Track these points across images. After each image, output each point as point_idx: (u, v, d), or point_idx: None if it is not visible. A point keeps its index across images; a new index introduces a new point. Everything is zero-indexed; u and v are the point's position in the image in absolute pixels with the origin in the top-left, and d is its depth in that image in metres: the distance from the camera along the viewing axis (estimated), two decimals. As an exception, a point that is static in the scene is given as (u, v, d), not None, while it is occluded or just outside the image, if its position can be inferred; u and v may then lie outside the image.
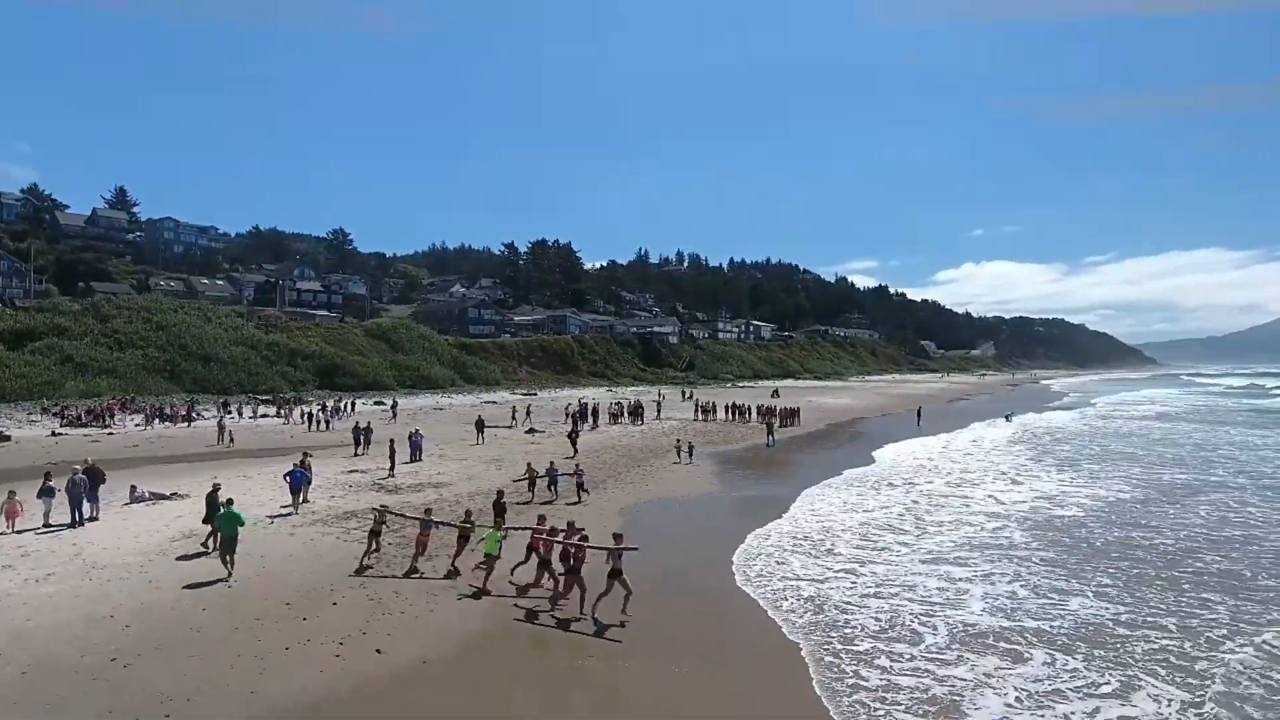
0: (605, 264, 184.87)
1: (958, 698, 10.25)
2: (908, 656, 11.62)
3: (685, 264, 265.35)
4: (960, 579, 15.76)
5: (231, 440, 35.05)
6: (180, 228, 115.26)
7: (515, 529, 15.99)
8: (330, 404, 50.42)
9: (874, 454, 36.68)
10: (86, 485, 17.67)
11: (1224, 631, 12.96)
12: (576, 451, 31.95)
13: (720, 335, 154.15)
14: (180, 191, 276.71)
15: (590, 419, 45.16)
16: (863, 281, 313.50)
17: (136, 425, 43.08)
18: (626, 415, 48.30)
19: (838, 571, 16.08)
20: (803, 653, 11.75)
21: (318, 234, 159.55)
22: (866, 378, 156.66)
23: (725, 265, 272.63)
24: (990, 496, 25.53)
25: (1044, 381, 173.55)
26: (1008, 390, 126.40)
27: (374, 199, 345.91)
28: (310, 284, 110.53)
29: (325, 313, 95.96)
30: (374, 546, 15.63)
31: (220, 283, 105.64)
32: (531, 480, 23.26)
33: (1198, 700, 10.32)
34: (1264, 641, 12.46)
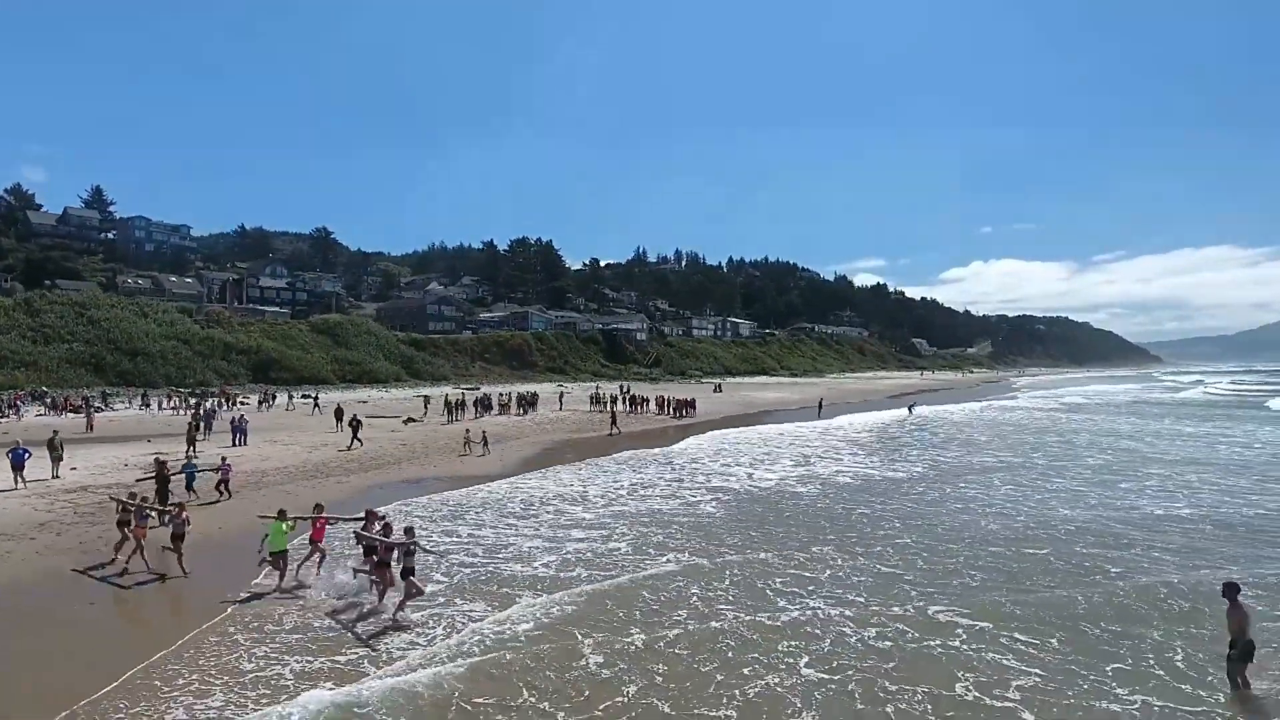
0: (587, 262, 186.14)
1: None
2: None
3: (683, 263, 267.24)
4: (563, 540, 17.11)
5: (91, 427, 36.61)
6: (152, 226, 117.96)
7: (303, 518, 14.79)
8: (211, 401, 50.80)
9: (694, 439, 38.05)
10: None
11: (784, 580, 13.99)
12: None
13: (695, 332, 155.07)
14: (194, 189, 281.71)
15: (479, 409, 46.61)
16: (865, 280, 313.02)
17: (39, 414, 44.93)
18: (515, 407, 49.61)
19: (466, 539, 17.22)
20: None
21: (314, 232, 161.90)
22: (843, 375, 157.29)
23: (724, 264, 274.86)
24: (748, 474, 26.83)
25: (1023, 379, 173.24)
26: (974, 385, 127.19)
27: (383, 197, 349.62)
28: (275, 281, 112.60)
29: (277, 309, 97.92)
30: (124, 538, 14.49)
31: (189, 280, 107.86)
32: (162, 479, 18.88)
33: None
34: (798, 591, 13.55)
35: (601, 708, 9.04)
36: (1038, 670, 10.20)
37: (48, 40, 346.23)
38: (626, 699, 9.25)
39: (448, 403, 44.78)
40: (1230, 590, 9.66)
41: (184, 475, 20.81)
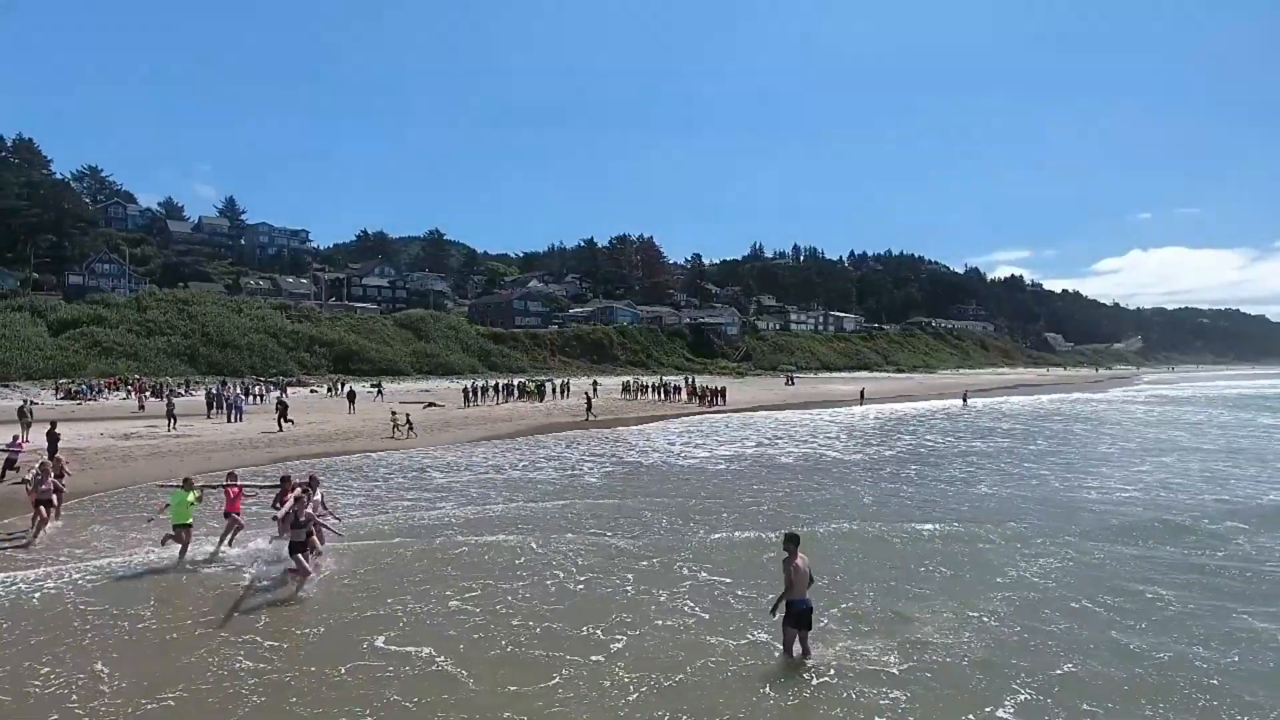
0: (690, 258, 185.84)
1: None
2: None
3: (801, 257, 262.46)
4: (386, 499, 17.67)
5: (141, 406, 40.57)
6: (274, 231, 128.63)
7: (210, 487, 14.16)
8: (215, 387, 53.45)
9: (680, 422, 37.50)
10: None
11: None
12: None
13: (793, 326, 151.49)
14: (337, 197, 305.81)
15: (499, 395, 48.15)
16: (1003, 272, 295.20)
17: (122, 398, 50.24)
18: (519, 394, 50.76)
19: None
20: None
21: (428, 234, 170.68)
22: (959, 370, 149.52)
23: (845, 258, 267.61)
24: (681, 451, 26.79)
25: (1161, 375, 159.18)
26: (1094, 380, 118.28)
27: (512, 199, 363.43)
28: (378, 280, 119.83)
29: (370, 306, 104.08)
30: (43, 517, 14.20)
31: (304, 280, 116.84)
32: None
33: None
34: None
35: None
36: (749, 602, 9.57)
37: (211, 68, 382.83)
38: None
39: (465, 390, 46.32)
40: (790, 542, 8.65)
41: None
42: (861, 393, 55.84)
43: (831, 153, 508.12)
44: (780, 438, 32.20)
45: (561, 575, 12.02)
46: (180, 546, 12.56)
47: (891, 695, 7.86)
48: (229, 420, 33.01)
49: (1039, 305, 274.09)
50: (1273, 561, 12.99)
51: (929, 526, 15.45)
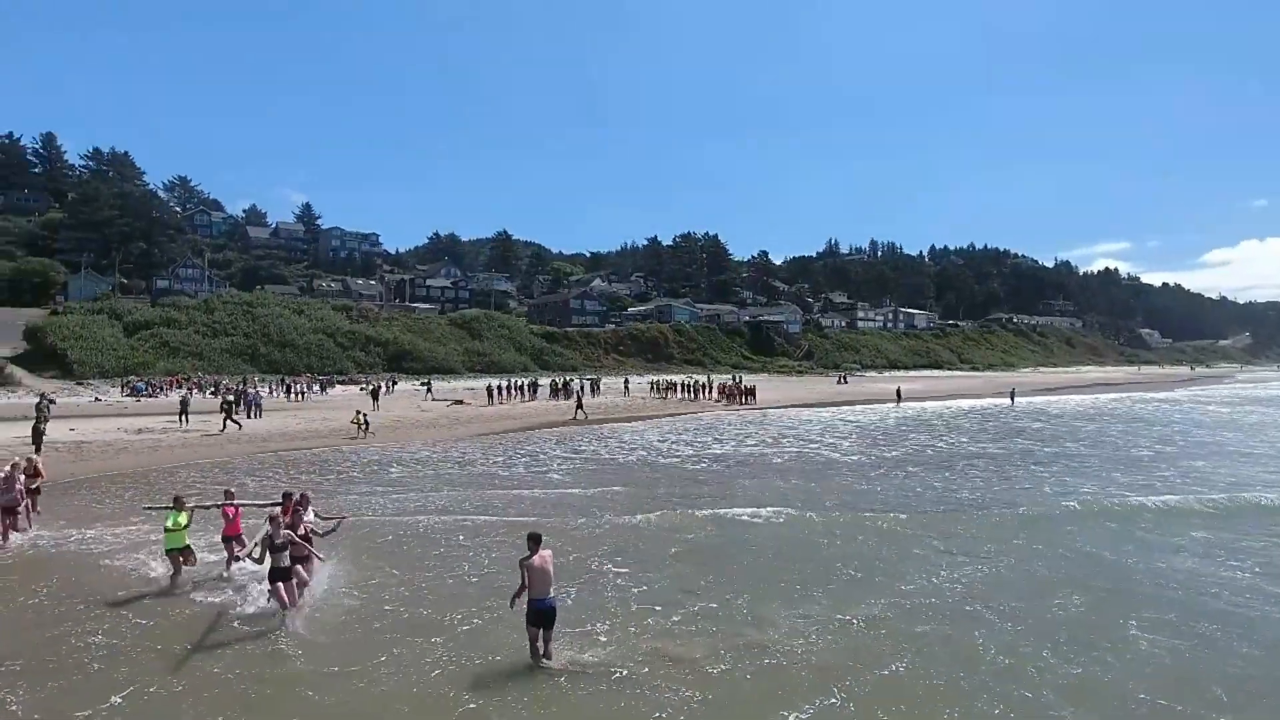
0: (757, 255, 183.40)
1: None
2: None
3: (879, 253, 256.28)
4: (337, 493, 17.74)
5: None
6: (346, 235, 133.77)
7: (204, 506, 13.07)
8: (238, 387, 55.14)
9: (688, 419, 37.06)
10: None
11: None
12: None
13: (860, 324, 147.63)
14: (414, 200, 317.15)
15: (524, 393, 48.71)
16: (1099, 265, 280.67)
17: (180, 394, 53.13)
18: (550, 393, 51.05)
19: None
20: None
21: (496, 235, 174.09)
22: (1040, 368, 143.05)
23: (925, 253, 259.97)
24: (670, 449, 26.56)
25: (1257, 374, 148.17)
26: (1180, 379, 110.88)
27: (581, 199, 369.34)
28: (442, 281, 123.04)
29: (429, 306, 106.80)
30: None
31: (373, 282, 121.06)
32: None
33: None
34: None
35: None
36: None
37: (298, 76, 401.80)
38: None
39: (488, 388, 47.00)
40: (531, 541, 8.59)
41: None
42: (898, 391, 53.85)
43: (915, 146, 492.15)
44: (786, 437, 31.39)
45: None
46: (173, 572, 11.41)
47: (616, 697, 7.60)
48: (248, 417, 34.44)
49: (1136, 299, 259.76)
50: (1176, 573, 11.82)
51: (870, 528, 14.80)
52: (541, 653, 8.46)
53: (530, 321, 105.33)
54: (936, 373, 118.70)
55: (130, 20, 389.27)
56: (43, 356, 59.11)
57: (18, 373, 55.29)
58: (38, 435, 21.88)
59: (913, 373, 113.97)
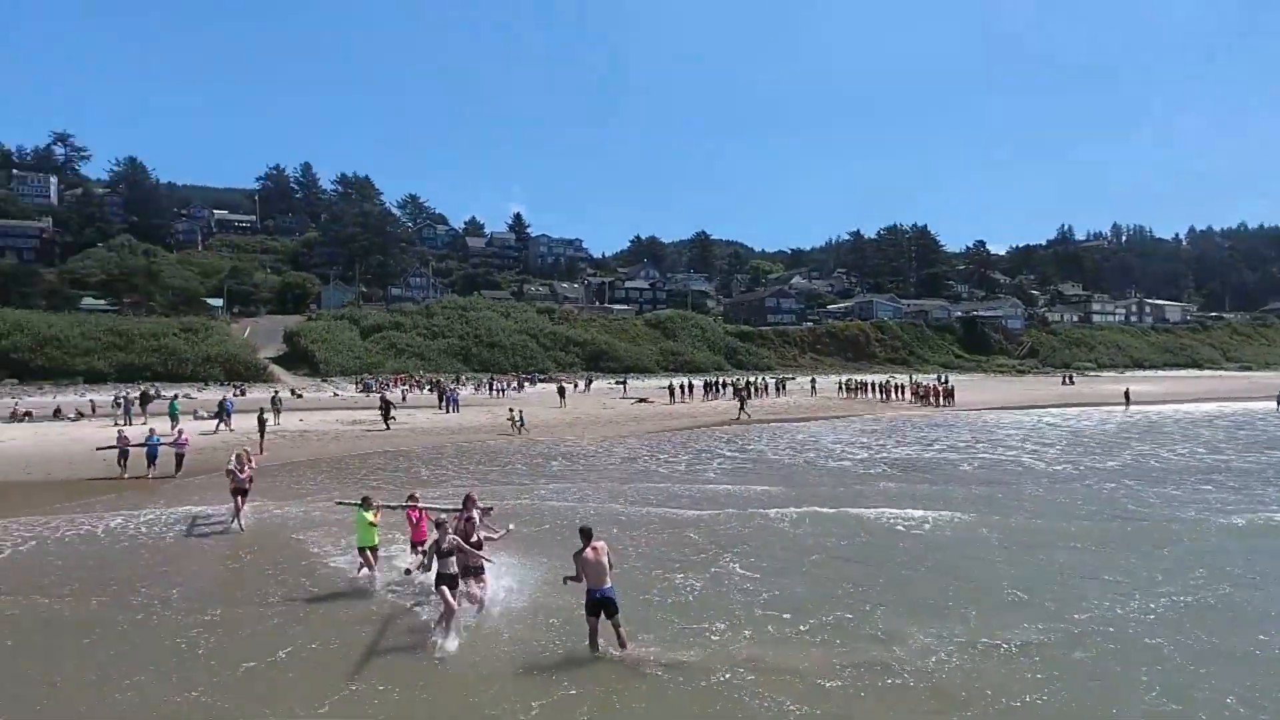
0: (972, 245, 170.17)
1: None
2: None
3: (1123, 238, 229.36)
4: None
5: (404, 398, 47.01)
6: (552, 242, 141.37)
7: (390, 506, 11.96)
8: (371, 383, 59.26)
9: (863, 421, 34.32)
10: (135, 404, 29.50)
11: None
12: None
13: (1095, 318, 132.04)
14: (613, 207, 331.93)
15: (707, 392, 48.61)
16: None
17: (404, 389, 58.83)
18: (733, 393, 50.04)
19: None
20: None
21: (695, 235, 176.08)
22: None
23: (1181, 235, 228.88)
24: (840, 452, 24.63)
25: None
26: None
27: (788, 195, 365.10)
28: (640, 283, 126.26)
29: (625, 307, 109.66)
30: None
31: (577, 285, 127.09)
32: (121, 451, 19.41)
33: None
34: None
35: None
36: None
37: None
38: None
39: (669, 387, 47.46)
40: (582, 535, 8.66)
41: (145, 449, 19.51)
42: (1126, 393, 47.05)
43: (1157, 116, 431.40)
44: (981, 442, 28.38)
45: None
46: (367, 569, 11.08)
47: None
48: (446, 412, 37.15)
49: None
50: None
51: (1051, 543, 12.93)
52: (617, 640, 8.30)
53: (726, 321, 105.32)
54: (1193, 372, 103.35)
55: (390, 70, 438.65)
56: (297, 357, 68.00)
57: (276, 370, 64.11)
58: (261, 424, 24.96)
59: (1162, 372, 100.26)
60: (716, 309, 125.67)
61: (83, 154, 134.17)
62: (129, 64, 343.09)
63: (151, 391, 40.32)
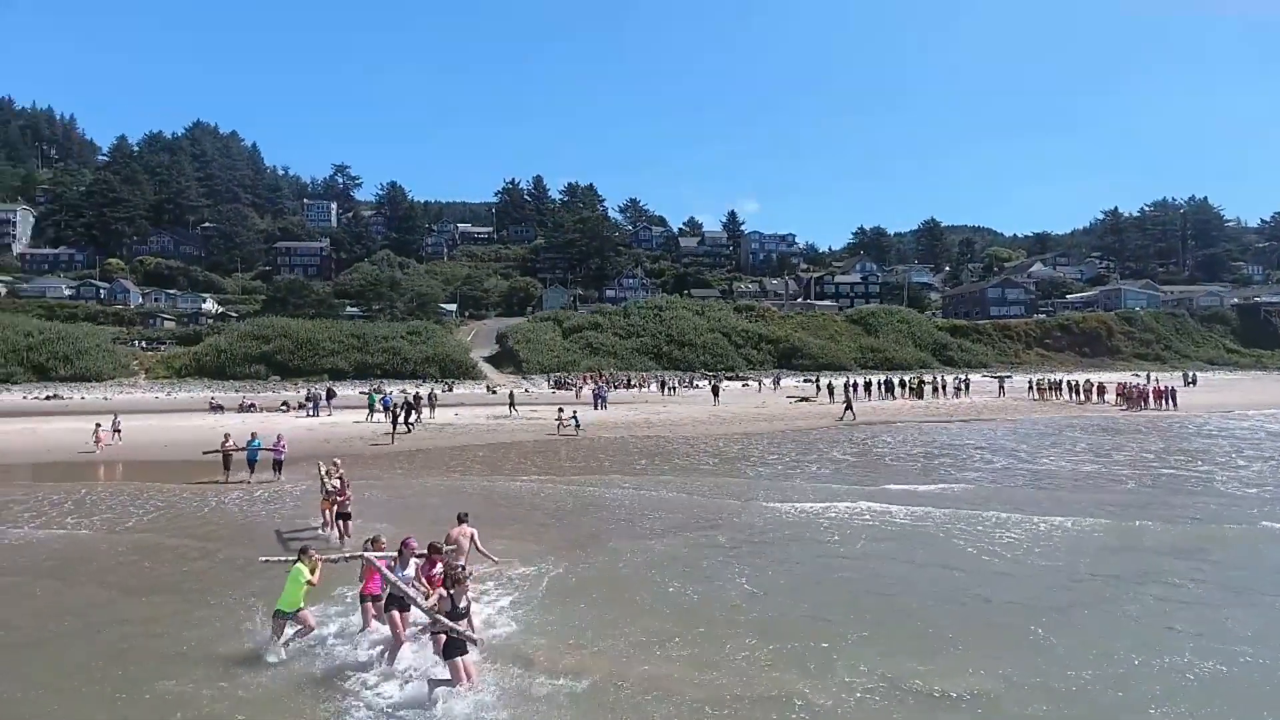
0: (1270, 217, 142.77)
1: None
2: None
3: None
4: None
5: (577, 395, 49.83)
6: (764, 238, 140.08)
7: (331, 560, 9.27)
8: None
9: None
10: (321, 398, 34.43)
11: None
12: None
13: None
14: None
15: (872, 391, 46.24)
16: None
17: (589, 385, 62.39)
18: (906, 392, 46.56)
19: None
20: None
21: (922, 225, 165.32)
22: None
23: None
24: (955, 450, 22.40)
25: None
26: None
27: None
28: (849, 277, 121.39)
29: (829, 303, 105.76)
30: None
31: (788, 280, 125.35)
32: (226, 456, 19.60)
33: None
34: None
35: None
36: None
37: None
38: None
39: (829, 386, 45.49)
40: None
41: (246, 452, 19.60)
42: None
43: None
44: (1175, 453, 22.83)
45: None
46: (275, 635, 8.27)
47: None
48: (594, 409, 39.02)
49: None
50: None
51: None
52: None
53: (946, 314, 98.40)
54: None
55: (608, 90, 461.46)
56: (505, 357, 74.56)
57: (485, 369, 70.80)
58: (394, 416, 28.40)
59: None
60: (937, 302, 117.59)
61: (355, 181, 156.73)
62: (403, 102, 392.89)
63: (335, 390, 46.50)
